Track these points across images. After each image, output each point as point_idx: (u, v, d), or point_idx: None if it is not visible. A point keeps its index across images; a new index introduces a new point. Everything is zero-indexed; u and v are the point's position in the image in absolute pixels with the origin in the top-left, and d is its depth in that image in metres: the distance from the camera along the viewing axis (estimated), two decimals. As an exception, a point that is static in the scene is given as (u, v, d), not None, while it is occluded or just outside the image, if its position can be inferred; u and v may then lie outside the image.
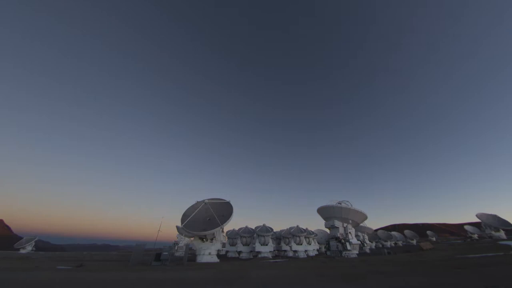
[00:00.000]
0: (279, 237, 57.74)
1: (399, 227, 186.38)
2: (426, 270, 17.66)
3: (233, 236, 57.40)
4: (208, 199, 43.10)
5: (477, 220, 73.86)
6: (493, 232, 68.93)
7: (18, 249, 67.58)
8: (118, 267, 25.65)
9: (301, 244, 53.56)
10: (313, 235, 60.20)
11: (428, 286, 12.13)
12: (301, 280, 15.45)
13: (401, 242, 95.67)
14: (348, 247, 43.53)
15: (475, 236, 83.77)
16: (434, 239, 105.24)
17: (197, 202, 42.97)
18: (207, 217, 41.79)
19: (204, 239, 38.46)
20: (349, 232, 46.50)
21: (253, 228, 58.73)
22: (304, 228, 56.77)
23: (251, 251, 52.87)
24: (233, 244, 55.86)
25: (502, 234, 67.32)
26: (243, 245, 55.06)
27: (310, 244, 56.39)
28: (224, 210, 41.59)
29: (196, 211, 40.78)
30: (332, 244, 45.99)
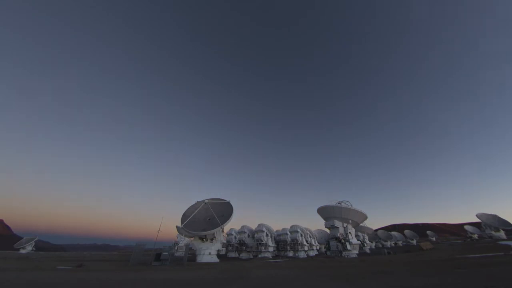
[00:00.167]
0: (279, 237, 57.73)
1: (399, 227, 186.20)
2: (426, 270, 17.66)
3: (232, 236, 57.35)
4: (208, 199, 43.10)
5: (477, 220, 73.87)
6: (493, 232, 68.94)
7: (18, 249, 67.63)
8: (118, 267, 25.64)
9: (301, 244, 53.51)
10: (313, 236, 60.23)
11: (428, 286, 12.13)
12: (301, 280, 15.45)
13: (401, 242, 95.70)
14: (348, 247, 43.52)
15: (475, 236, 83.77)
16: (434, 239, 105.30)
17: (197, 202, 42.97)
18: (207, 217, 41.78)
19: (204, 239, 38.45)
20: (349, 232, 46.48)
21: (253, 228, 58.71)
22: (304, 228, 56.77)
23: (251, 251, 52.84)
24: (233, 244, 55.83)
25: (502, 234, 67.33)
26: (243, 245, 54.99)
27: (310, 244, 56.39)
28: (224, 210, 41.57)
29: (196, 211, 40.77)
30: (332, 244, 45.98)
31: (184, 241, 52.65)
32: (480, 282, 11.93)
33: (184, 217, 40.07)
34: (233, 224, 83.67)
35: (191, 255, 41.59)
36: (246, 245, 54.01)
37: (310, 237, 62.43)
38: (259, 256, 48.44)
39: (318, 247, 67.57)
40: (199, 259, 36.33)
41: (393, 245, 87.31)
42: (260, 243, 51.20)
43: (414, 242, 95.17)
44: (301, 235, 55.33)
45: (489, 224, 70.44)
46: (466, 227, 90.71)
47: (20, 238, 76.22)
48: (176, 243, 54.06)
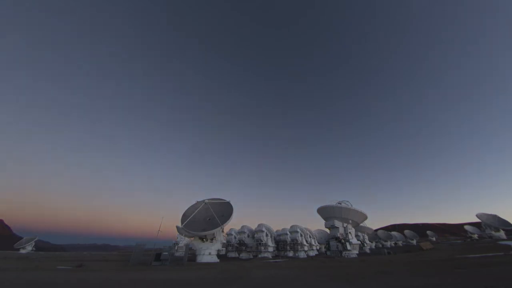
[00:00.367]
0: (279, 237, 57.71)
1: (399, 227, 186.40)
2: (426, 270, 17.66)
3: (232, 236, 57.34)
4: (208, 199, 43.09)
5: (477, 220, 73.86)
6: (493, 232, 68.93)
7: (18, 249, 67.61)
8: (118, 267, 25.64)
9: (301, 244, 53.49)
10: (313, 236, 60.22)
11: (428, 286, 12.13)
12: (301, 280, 15.45)
13: (401, 242, 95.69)
14: (348, 247, 43.52)
15: (475, 236, 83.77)
16: (434, 239, 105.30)
17: (197, 202, 42.97)
18: (207, 217, 41.77)
19: (204, 239, 38.44)
20: (349, 232, 46.47)
21: (253, 228, 58.69)
22: (304, 228, 56.74)
23: (250, 251, 52.83)
24: (233, 244, 55.81)
25: (502, 234, 67.33)
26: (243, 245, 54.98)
27: (310, 244, 56.36)
28: (224, 210, 41.56)
29: (196, 211, 40.77)
30: (332, 244, 45.98)
31: (184, 241, 52.57)
32: (480, 282, 11.93)
33: (184, 217, 40.06)
34: (233, 224, 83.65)
35: (191, 255, 41.58)
36: (246, 245, 53.99)
37: (310, 237, 62.39)
38: (259, 256, 48.43)
39: (318, 247, 67.54)
40: (199, 259, 36.32)
41: (393, 245, 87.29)
42: (260, 243, 51.19)
43: (414, 242, 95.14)
44: (301, 235, 55.29)
45: (489, 224, 70.42)
46: (466, 227, 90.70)
47: (20, 238, 76.22)
48: (176, 243, 53.98)
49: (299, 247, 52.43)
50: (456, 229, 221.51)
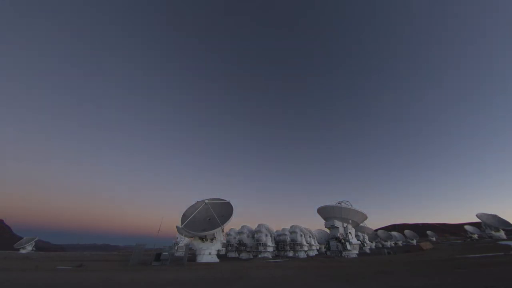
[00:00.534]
0: (279, 237, 57.71)
1: (399, 227, 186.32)
2: (426, 270, 17.67)
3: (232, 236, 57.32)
4: (208, 199, 43.07)
5: (477, 220, 73.89)
6: (493, 232, 68.95)
7: (18, 249, 67.60)
8: (118, 267, 25.64)
9: (301, 244, 53.51)
10: (313, 236, 60.22)
11: (428, 286, 12.14)
12: (301, 280, 15.46)
13: (401, 242, 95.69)
14: (348, 247, 43.53)
15: (475, 236, 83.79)
16: (434, 239, 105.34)
17: (197, 202, 42.94)
18: (207, 217, 41.76)
19: (204, 239, 38.44)
20: (349, 232, 46.49)
21: (253, 228, 58.68)
22: (304, 228, 56.75)
23: (250, 251, 52.81)
24: (233, 244, 55.80)
25: (502, 234, 67.34)
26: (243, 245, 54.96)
27: (310, 244, 56.36)
28: (224, 211, 41.55)
29: (196, 211, 40.75)
30: (332, 244, 45.99)
31: (184, 241, 52.57)
32: (480, 282, 11.94)
33: (184, 217, 40.03)
34: (233, 224, 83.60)
35: (191, 255, 41.60)
36: (245, 245, 53.99)
37: (310, 237, 62.38)
38: (259, 256, 48.43)
39: (318, 247, 67.55)
40: (199, 259, 36.32)
41: (393, 245, 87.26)
42: (259, 243, 51.20)
43: (414, 242, 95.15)
44: (301, 235, 55.30)
45: (489, 224, 70.44)
46: (466, 227, 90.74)
47: (20, 238, 76.23)
48: (176, 243, 53.96)
49: (299, 247, 52.45)
50: (456, 229, 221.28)
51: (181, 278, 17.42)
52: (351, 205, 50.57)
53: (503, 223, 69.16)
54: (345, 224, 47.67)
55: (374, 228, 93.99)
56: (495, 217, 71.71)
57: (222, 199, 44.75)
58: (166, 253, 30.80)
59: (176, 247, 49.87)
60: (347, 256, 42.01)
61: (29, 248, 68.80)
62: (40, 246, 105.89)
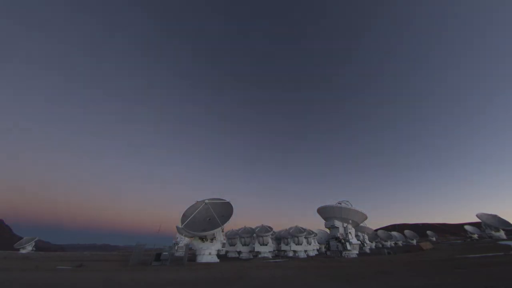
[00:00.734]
0: (279, 237, 57.73)
1: (399, 227, 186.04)
2: (426, 270, 17.68)
3: (232, 236, 57.38)
4: (208, 199, 43.08)
5: (477, 220, 73.83)
6: (493, 232, 68.91)
7: (18, 249, 67.56)
8: (118, 267, 25.66)
9: (301, 244, 53.53)
10: (313, 235, 60.20)
11: (428, 286, 12.15)
12: (301, 280, 15.47)
13: (401, 242, 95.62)
14: (348, 247, 43.55)
15: (475, 236, 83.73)
16: (434, 239, 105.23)
17: (197, 202, 42.96)
18: (207, 217, 41.77)
19: (204, 239, 38.46)
20: (349, 232, 46.50)
21: (253, 228, 58.70)
22: (304, 228, 56.76)
23: (250, 251, 52.88)
24: (233, 244, 55.84)
25: (502, 234, 67.31)
26: (243, 245, 55.04)
27: (310, 244, 56.36)
28: (224, 211, 41.56)
29: (196, 211, 40.78)
30: (332, 244, 46.02)
31: (184, 241, 52.57)
32: (480, 282, 11.95)
33: (184, 217, 40.05)
34: (233, 224, 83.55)
35: (191, 255, 41.61)
36: (245, 245, 54.01)
37: (310, 237, 62.34)
38: (259, 256, 48.46)
39: (318, 247, 67.55)
40: (199, 259, 36.35)
41: (393, 245, 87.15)
42: (259, 243, 51.20)
43: (414, 242, 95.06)
44: (301, 235, 55.27)
45: (489, 224, 70.39)
46: (466, 227, 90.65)
47: (20, 238, 76.18)
48: (176, 243, 53.94)
49: (299, 247, 52.43)
50: (456, 229, 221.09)
51: (181, 278, 17.43)
52: (351, 205, 50.58)
53: (503, 223, 69.12)
54: (345, 224, 47.68)
55: (374, 228, 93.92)
56: (495, 217, 71.66)
57: (222, 199, 44.77)
58: (166, 253, 30.81)
59: (176, 247, 49.88)
60: (347, 256, 42.03)
61: (29, 248, 68.74)
62: (40, 246, 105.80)
